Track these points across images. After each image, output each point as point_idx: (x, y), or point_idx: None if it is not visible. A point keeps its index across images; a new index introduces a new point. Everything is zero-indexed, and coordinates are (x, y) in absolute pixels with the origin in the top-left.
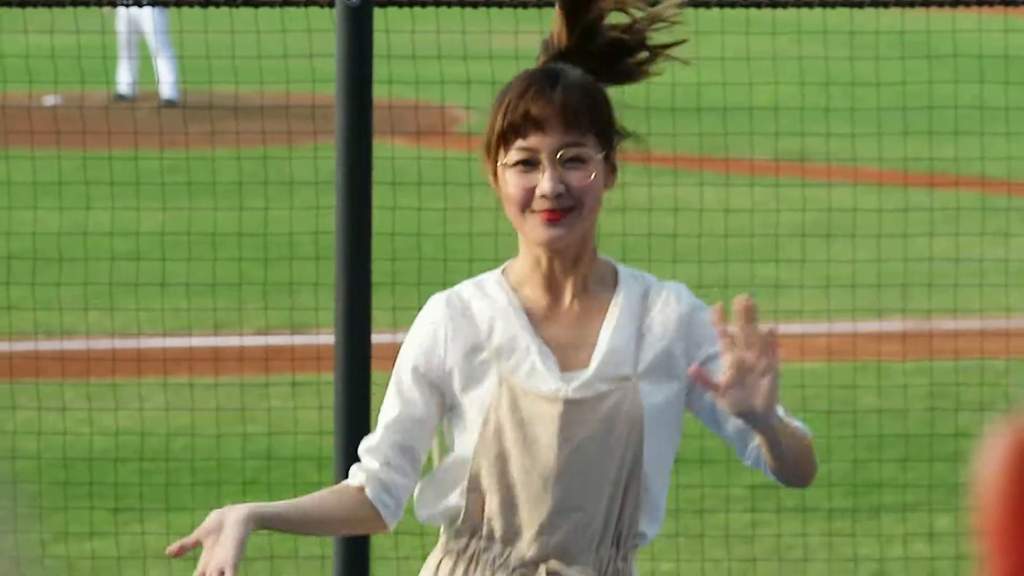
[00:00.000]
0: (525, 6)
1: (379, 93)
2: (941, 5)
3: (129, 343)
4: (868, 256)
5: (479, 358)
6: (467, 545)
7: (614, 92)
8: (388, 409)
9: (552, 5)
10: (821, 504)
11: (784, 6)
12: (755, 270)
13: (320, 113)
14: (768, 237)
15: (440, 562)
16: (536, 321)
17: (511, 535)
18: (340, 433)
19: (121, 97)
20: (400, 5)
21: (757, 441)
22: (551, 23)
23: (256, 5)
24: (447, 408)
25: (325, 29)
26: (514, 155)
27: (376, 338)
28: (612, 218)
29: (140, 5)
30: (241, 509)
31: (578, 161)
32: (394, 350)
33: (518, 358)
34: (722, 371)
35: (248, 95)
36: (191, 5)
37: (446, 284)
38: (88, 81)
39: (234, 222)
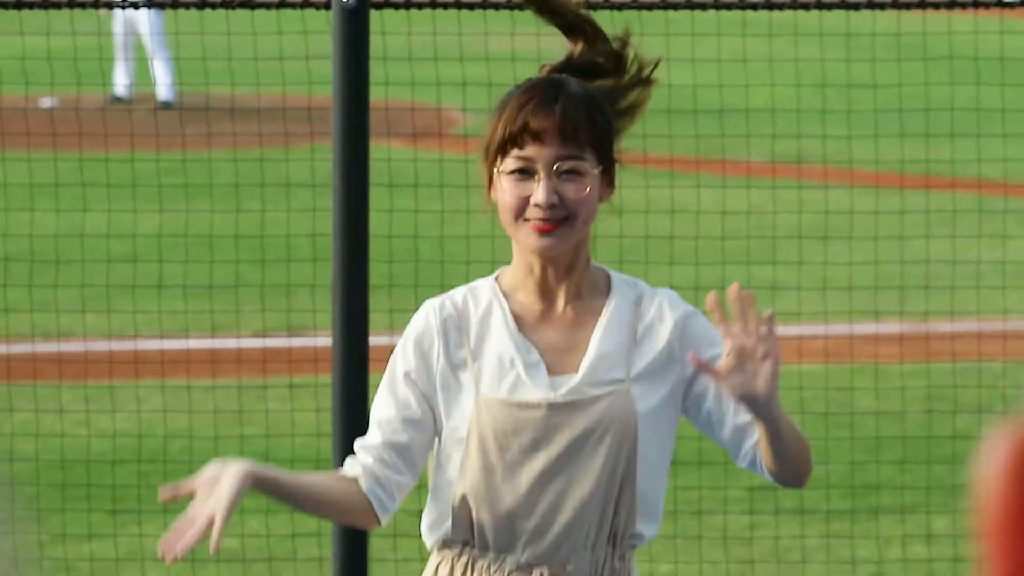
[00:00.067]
0: (521, 8)
1: (375, 95)
2: (937, 7)
3: (126, 345)
4: (865, 258)
5: (466, 370)
6: (461, 552)
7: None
8: (381, 408)
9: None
10: (819, 506)
11: (780, 8)
12: (752, 272)
13: (317, 115)
14: (765, 239)
15: (438, 566)
16: (528, 327)
17: (503, 543)
18: (338, 435)
19: (117, 99)
20: (396, 7)
21: (754, 440)
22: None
23: (252, 7)
24: (437, 420)
25: (321, 31)
26: (511, 163)
27: (373, 340)
28: (608, 220)
29: (136, 7)
30: (240, 464)
31: (574, 174)
32: (391, 352)
33: (505, 367)
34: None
35: (244, 97)
36: (187, 7)
37: (443, 286)
38: (84, 83)
39: (231, 224)
